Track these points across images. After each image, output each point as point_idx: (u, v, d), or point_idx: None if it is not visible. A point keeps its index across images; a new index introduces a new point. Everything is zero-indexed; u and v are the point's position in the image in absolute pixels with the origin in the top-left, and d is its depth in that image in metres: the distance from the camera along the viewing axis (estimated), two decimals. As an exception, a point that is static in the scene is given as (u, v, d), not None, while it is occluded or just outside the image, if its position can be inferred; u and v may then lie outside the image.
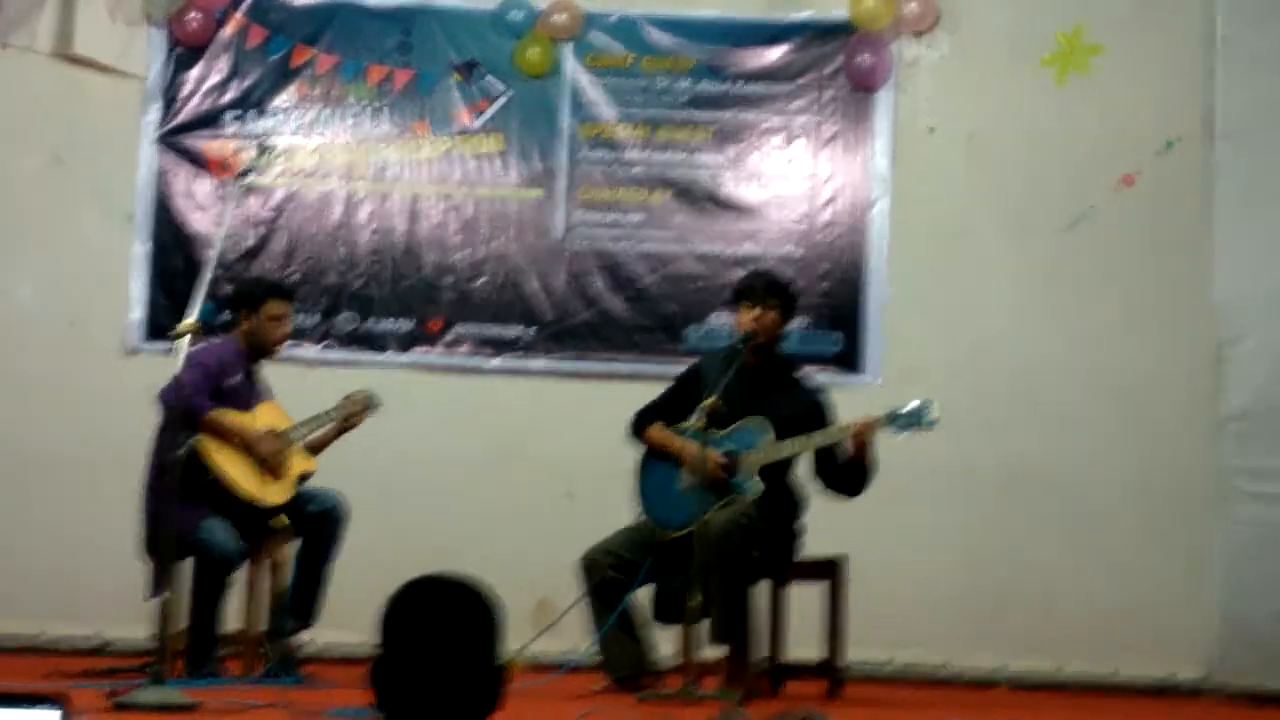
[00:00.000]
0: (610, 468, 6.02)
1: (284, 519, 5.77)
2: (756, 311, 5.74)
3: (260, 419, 5.81)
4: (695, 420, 5.47)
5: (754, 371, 5.75)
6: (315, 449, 5.99)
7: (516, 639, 5.79)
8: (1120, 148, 7.28)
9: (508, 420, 7.30)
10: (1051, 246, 7.28)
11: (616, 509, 5.88)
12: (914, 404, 5.56)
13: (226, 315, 6.25)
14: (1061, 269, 7.29)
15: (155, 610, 4.86)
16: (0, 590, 7.01)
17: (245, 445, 5.70)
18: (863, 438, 5.60)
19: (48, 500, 7.09)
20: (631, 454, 5.91)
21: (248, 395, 5.85)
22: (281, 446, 5.79)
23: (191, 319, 4.73)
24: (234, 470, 5.65)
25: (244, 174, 6.94)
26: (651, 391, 6.05)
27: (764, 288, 5.82)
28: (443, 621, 2.38)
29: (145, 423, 5.63)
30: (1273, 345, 6.89)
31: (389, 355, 7.32)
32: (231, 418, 5.71)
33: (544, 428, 7.27)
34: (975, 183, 7.36)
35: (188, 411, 5.28)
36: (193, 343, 4.78)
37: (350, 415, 6.03)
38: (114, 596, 6.39)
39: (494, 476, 7.19)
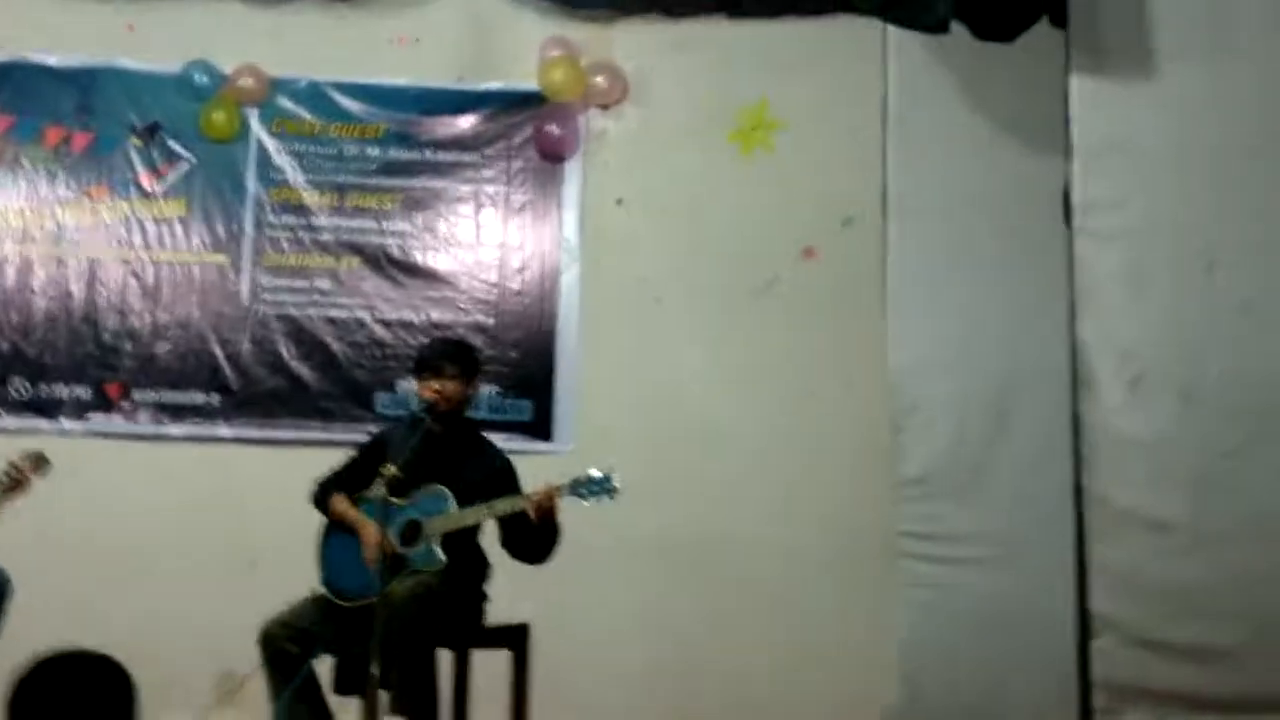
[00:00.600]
0: (298, 535, 5.89)
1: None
2: (436, 381, 5.73)
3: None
4: (376, 489, 5.42)
5: (440, 438, 5.73)
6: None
7: (201, 712, 5.67)
8: (803, 221, 7.48)
9: (191, 488, 7.14)
10: (738, 315, 7.44)
11: (303, 577, 5.77)
12: (596, 472, 5.59)
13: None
14: (748, 337, 7.44)
15: None
16: None
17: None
18: (545, 505, 5.61)
19: None
20: (319, 521, 5.83)
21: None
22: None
23: None
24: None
25: None
26: (340, 457, 5.98)
27: (444, 356, 5.81)
28: (73, 698, 2.30)
29: None
30: (945, 413, 7.12)
31: (65, 422, 7.09)
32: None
33: (229, 496, 7.12)
34: (664, 252, 7.47)
35: None
36: None
37: (14, 482, 5.80)
38: None
39: (177, 546, 7.03)
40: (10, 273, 7.17)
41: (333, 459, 6.01)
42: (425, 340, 7.00)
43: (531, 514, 5.64)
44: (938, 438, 7.10)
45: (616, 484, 5.58)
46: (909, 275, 7.26)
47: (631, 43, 7.52)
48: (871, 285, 7.36)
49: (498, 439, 6.18)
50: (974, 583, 6.97)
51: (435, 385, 5.73)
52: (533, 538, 5.72)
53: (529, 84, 7.42)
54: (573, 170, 7.46)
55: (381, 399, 7.27)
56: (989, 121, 7.18)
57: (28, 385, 7.11)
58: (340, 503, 5.78)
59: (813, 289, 7.46)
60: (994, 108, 7.24)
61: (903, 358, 7.22)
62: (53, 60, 7.25)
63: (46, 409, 7.11)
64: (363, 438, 6.22)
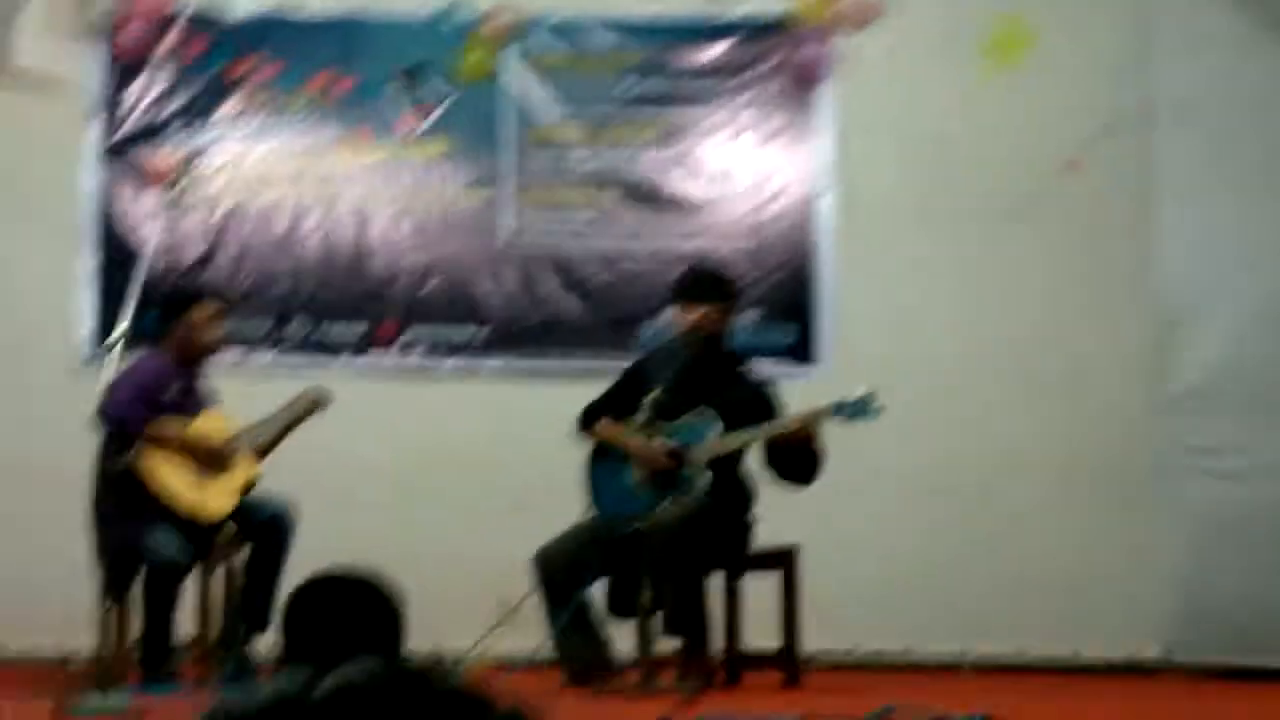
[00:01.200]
0: (567, 466, 6.02)
1: (231, 528, 5.74)
2: (695, 309, 5.77)
3: (202, 427, 5.79)
4: (642, 415, 5.50)
5: (700, 365, 5.77)
6: (262, 452, 5.97)
7: (480, 636, 5.85)
8: (1063, 133, 7.32)
9: (462, 422, 7.31)
10: (997, 233, 7.33)
11: (572, 506, 5.89)
12: (858, 393, 5.60)
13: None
14: (1008, 254, 7.34)
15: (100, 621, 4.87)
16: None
17: (186, 452, 5.68)
18: (810, 428, 5.63)
19: (6, 514, 7.09)
20: (586, 450, 5.93)
21: (188, 405, 5.83)
22: (224, 452, 5.77)
23: (121, 329, 4.72)
24: (174, 482, 5.62)
25: (171, 185, 6.96)
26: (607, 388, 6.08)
27: (708, 283, 5.85)
28: (343, 617, 2.36)
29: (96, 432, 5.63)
30: (1218, 325, 6.96)
31: (342, 360, 7.32)
32: (170, 427, 5.69)
33: (499, 428, 7.27)
34: (919, 172, 7.39)
35: (124, 423, 5.26)
36: (124, 352, 4.76)
37: (297, 416, 6.03)
38: (74, 608, 6.36)
39: (450, 478, 7.20)
40: (284, 217, 7.41)
41: (599, 389, 6.10)
42: (685, 269, 7.04)
43: (797, 436, 5.66)
44: (1211, 351, 6.97)
45: (878, 405, 5.59)
46: (1175, 183, 7.11)
47: (881, -40, 7.43)
48: (1135, 196, 7.23)
49: (761, 363, 6.22)
50: (1251, 496, 6.82)
51: (695, 312, 5.77)
52: (797, 460, 5.75)
53: (779, 8, 7.40)
54: (825, 94, 7.42)
55: (645, 329, 7.35)
56: (1254, 20, 6.96)
57: (306, 324, 7.36)
58: (606, 425, 5.87)
59: (1075, 203, 7.31)
60: (1262, 4, 7.02)
61: (1171, 270, 7.08)
62: (315, 8, 7.44)
63: (324, 348, 7.35)
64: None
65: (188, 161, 7.21)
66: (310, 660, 2.30)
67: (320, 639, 2.33)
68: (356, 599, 2.36)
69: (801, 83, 7.41)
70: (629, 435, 5.72)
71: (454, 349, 7.37)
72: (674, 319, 5.92)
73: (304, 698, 1.97)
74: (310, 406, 6.07)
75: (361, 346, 7.35)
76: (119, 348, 4.71)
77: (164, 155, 7.36)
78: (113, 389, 4.85)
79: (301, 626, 2.35)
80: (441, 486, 7.19)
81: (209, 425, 5.83)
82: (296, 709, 1.96)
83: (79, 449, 5.95)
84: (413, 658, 2.30)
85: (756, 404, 5.78)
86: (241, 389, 6.32)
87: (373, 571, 2.41)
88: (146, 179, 7.35)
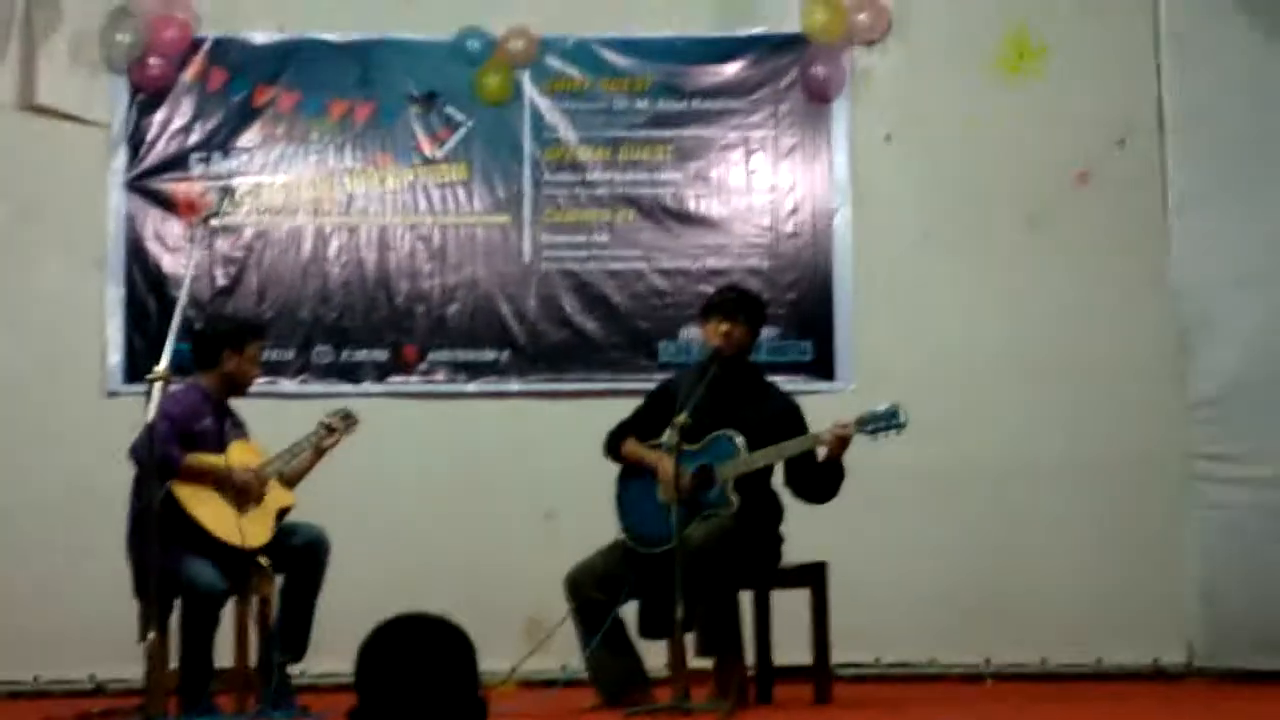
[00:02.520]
0: (591, 484, 6.06)
1: (266, 558, 5.79)
2: (724, 326, 5.83)
3: (233, 458, 5.83)
4: (669, 435, 5.55)
5: (725, 383, 5.80)
6: (294, 478, 6.03)
7: (507, 659, 5.90)
8: (1075, 145, 7.41)
9: (487, 443, 7.38)
10: (1011, 244, 7.40)
11: (599, 525, 5.93)
12: (884, 407, 5.64)
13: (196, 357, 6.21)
14: (1022, 265, 7.40)
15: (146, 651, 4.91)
16: (-10, 637, 7.09)
17: (219, 484, 5.74)
18: (839, 444, 5.68)
19: (36, 545, 7.15)
20: (611, 470, 5.98)
21: (219, 436, 5.87)
22: (257, 481, 5.82)
23: (164, 365, 4.76)
24: (211, 515, 5.65)
25: (207, 219, 7.04)
26: (628, 407, 6.11)
27: (731, 302, 5.90)
28: (419, 662, 2.36)
29: (128, 464, 5.68)
30: (1237, 331, 7.00)
31: (366, 385, 7.38)
32: (203, 459, 5.74)
33: (524, 448, 7.34)
34: (933, 186, 7.46)
35: (159, 461, 5.30)
36: (168, 389, 4.79)
37: (326, 439, 6.09)
38: (107, 638, 6.43)
39: (476, 499, 7.27)
40: (307, 243, 7.48)
41: (621, 409, 6.15)
42: (703, 287, 7.11)
43: (824, 453, 5.71)
44: (1231, 356, 7.01)
45: (903, 418, 5.62)
46: (1190, 191, 7.17)
47: (893, -25, 7.50)
48: (1150, 204, 7.29)
49: (779, 380, 6.27)
50: (1272, 502, 6.87)
51: (723, 329, 5.83)
52: (820, 477, 5.80)
53: (791, 26, 7.46)
54: (840, 110, 7.48)
55: (665, 347, 7.41)
56: (1268, 29, 7.01)
57: (330, 350, 7.43)
58: (633, 445, 5.92)
59: (1088, 213, 7.37)
60: (1271, 13, 7.06)
61: (1188, 276, 7.13)
62: (333, 36, 7.51)
63: (348, 372, 7.40)
64: (649, 386, 6.33)
65: (225, 192, 7.29)
66: (389, 708, 2.34)
67: (398, 686, 2.36)
68: (430, 644, 2.39)
69: (815, 99, 7.47)
70: (655, 457, 5.77)
71: (477, 370, 7.43)
72: (701, 336, 5.97)
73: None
74: (342, 428, 6.12)
75: (386, 370, 7.42)
76: (159, 386, 4.72)
77: (191, 186, 7.44)
78: (148, 424, 4.89)
79: (378, 674, 2.37)
80: (468, 506, 7.25)
81: (242, 455, 5.87)
82: None
83: (109, 476, 5.99)
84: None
85: (782, 420, 5.83)
86: (268, 414, 6.35)
87: (441, 616, 2.44)
88: (172, 208, 7.42)
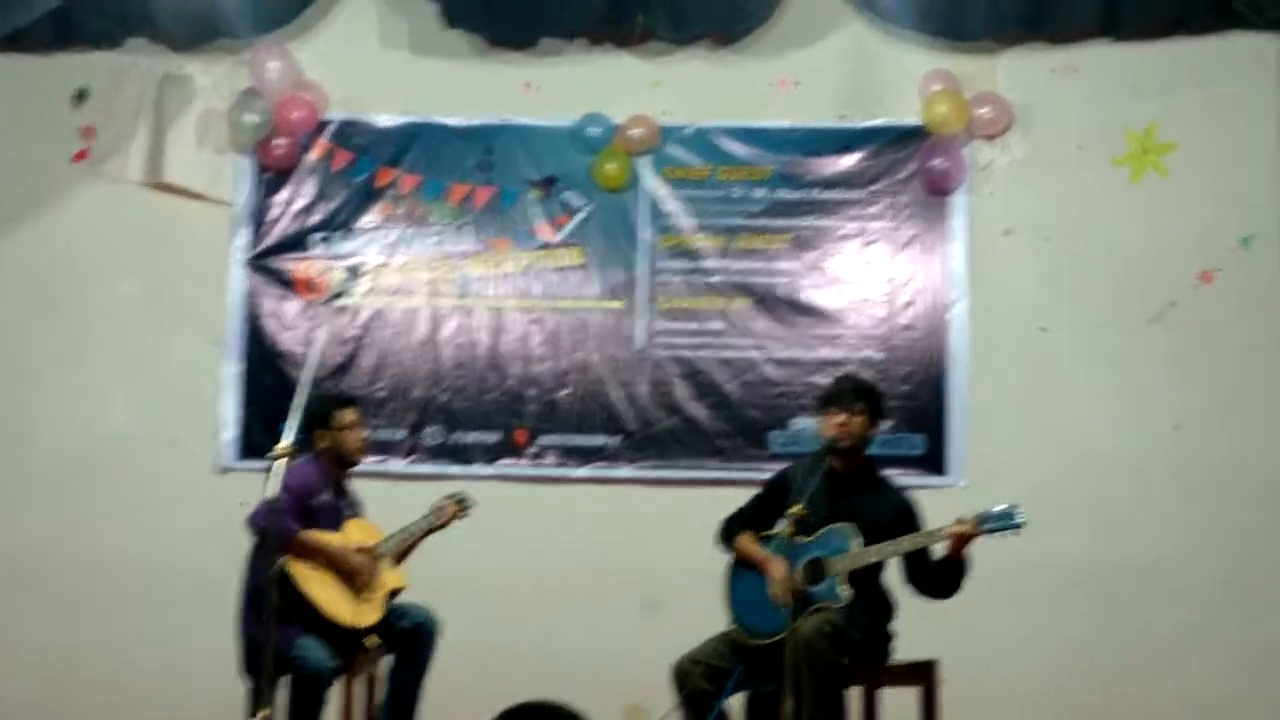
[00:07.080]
0: (698, 573, 6.04)
1: (375, 638, 5.81)
2: (843, 417, 5.78)
3: (350, 536, 5.88)
4: (783, 528, 5.51)
5: (841, 476, 5.77)
6: (402, 554, 6.05)
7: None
8: (1197, 244, 7.32)
9: (595, 529, 7.37)
10: (1131, 343, 7.31)
11: (705, 614, 5.88)
12: (1002, 507, 5.56)
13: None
14: (1142, 365, 7.30)
15: (254, 728, 4.92)
16: (103, 703, 7.16)
17: (333, 563, 5.77)
18: (960, 540, 5.60)
19: (149, 615, 7.26)
20: (717, 558, 5.94)
21: (336, 513, 5.92)
22: (370, 561, 5.85)
23: (287, 441, 4.79)
24: (324, 593, 5.70)
25: (334, 297, 7.12)
26: (736, 497, 6.07)
27: (851, 392, 5.86)
28: None
29: (240, 538, 5.73)
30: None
31: (476, 467, 7.41)
32: (319, 537, 5.78)
33: (631, 535, 7.33)
34: (1052, 282, 7.40)
35: (277, 534, 5.34)
36: (288, 464, 4.82)
37: (440, 522, 6.11)
38: (215, 710, 6.44)
39: (582, 584, 7.27)
40: (421, 324, 7.54)
41: (729, 498, 6.11)
42: (816, 378, 7.08)
43: (946, 550, 5.64)
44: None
45: (1020, 519, 5.54)
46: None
47: (1015, 71, 7.46)
48: (1271, 304, 7.18)
49: (890, 474, 6.22)
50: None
51: (840, 420, 5.79)
52: (940, 573, 5.72)
53: (912, 119, 7.44)
54: (959, 203, 7.45)
55: (775, 437, 7.38)
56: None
57: (441, 431, 7.47)
58: (746, 541, 5.88)
59: (1209, 313, 7.27)
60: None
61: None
62: (456, 121, 7.60)
63: (458, 454, 7.45)
64: (758, 475, 6.32)
65: (351, 271, 7.39)
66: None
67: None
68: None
69: (934, 192, 7.45)
70: (766, 555, 5.73)
71: (587, 455, 7.43)
72: (818, 427, 5.93)
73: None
74: (455, 511, 6.15)
75: (496, 453, 7.44)
76: (283, 462, 4.75)
77: (311, 265, 7.54)
78: (269, 498, 4.91)
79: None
80: (575, 592, 7.25)
81: (356, 534, 5.90)
82: None
83: (221, 553, 6.07)
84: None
85: (898, 516, 5.77)
86: (379, 495, 6.38)
87: (564, 705, 2.43)
88: (290, 286, 7.52)
